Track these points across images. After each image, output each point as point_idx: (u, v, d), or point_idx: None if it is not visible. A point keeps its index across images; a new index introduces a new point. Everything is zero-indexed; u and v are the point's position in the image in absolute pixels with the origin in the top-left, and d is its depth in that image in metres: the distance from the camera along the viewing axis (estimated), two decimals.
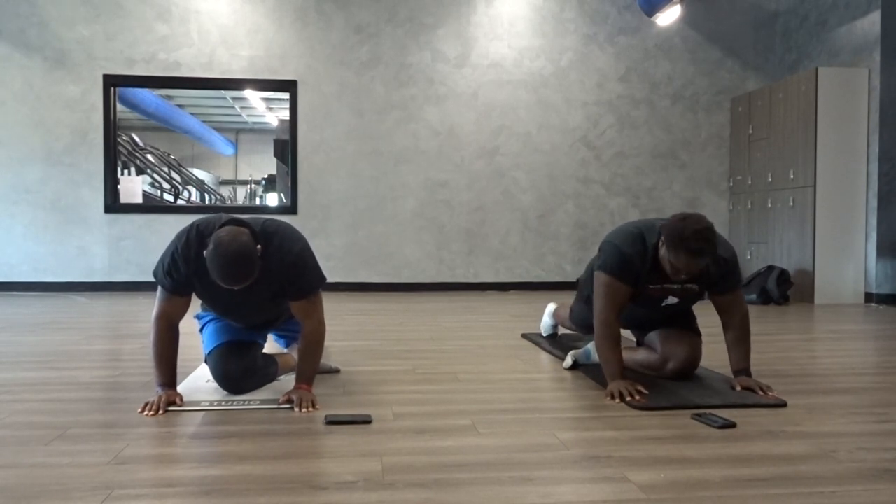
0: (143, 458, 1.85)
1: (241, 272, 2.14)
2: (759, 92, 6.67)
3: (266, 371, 2.64)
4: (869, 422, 2.23)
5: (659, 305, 2.72)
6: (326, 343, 2.68)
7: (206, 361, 2.61)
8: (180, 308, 2.41)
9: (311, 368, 2.45)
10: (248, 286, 2.29)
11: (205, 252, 2.20)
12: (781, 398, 2.47)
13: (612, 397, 2.48)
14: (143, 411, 2.29)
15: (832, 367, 3.16)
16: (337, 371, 2.99)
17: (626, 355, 2.97)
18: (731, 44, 7.24)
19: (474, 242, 7.00)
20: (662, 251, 2.51)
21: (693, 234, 2.37)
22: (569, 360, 3.07)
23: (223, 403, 2.40)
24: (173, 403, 2.35)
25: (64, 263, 6.60)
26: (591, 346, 3.10)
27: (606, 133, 7.11)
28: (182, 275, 2.34)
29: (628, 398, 2.44)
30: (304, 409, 2.31)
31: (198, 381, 2.75)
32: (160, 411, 2.28)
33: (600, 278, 2.62)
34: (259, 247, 2.23)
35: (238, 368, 2.52)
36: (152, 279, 6.61)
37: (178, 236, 2.36)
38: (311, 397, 2.37)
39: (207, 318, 2.68)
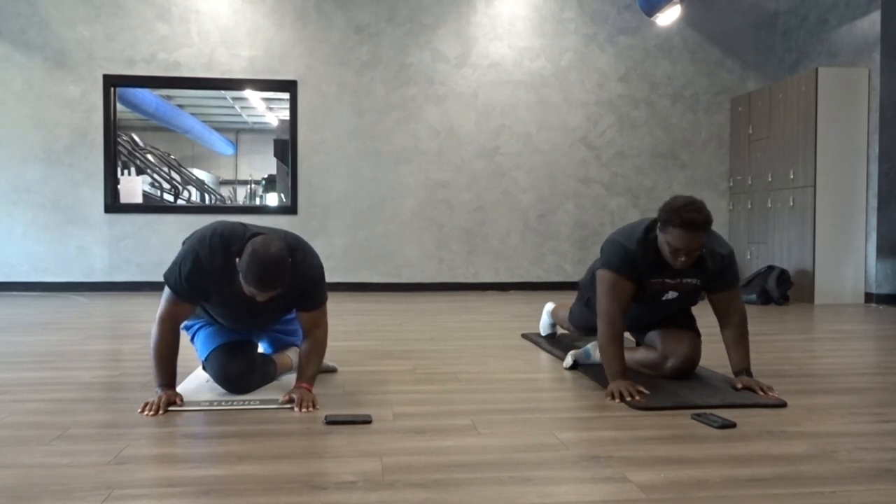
0: (143, 458, 1.85)
1: (278, 277, 2.22)
2: (759, 92, 6.67)
3: (265, 370, 2.66)
4: (869, 422, 2.23)
5: (659, 300, 2.72)
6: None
7: (203, 367, 2.62)
8: (187, 312, 2.43)
9: (312, 369, 2.48)
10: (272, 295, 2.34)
11: (238, 259, 2.25)
12: (781, 398, 2.47)
13: (613, 397, 2.48)
14: (143, 411, 2.29)
15: (832, 367, 3.16)
16: (334, 370, 2.99)
17: (626, 355, 2.97)
18: (731, 44, 7.24)
19: (474, 242, 7.00)
20: (660, 237, 2.53)
21: (684, 206, 2.42)
22: (569, 360, 3.07)
23: (223, 403, 2.41)
24: (173, 403, 2.35)
25: (64, 263, 6.60)
26: (591, 346, 3.10)
27: (606, 133, 7.11)
28: (202, 282, 2.34)
29: (628, 398, 2.44)
30: (304, 409, 2.32)
31: (198, 381, 2.75)
32: (160, 411, 2.28)
33: (604, 276, 2.62)
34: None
35: (239, 368, 2.53)
36: (152, 279, 6.65)
37: (199, 242, 2.34)
38: (311, 397, 2.39)
39: (197, 325, 2.68)
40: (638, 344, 3.05)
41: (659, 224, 2.53)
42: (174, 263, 2.35)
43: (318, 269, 2.46)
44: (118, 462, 1.81)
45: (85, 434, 2.06)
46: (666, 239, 2.49)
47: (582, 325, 3.24)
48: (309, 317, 2.49)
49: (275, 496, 1.59)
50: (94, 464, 1.80)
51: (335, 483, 1.67)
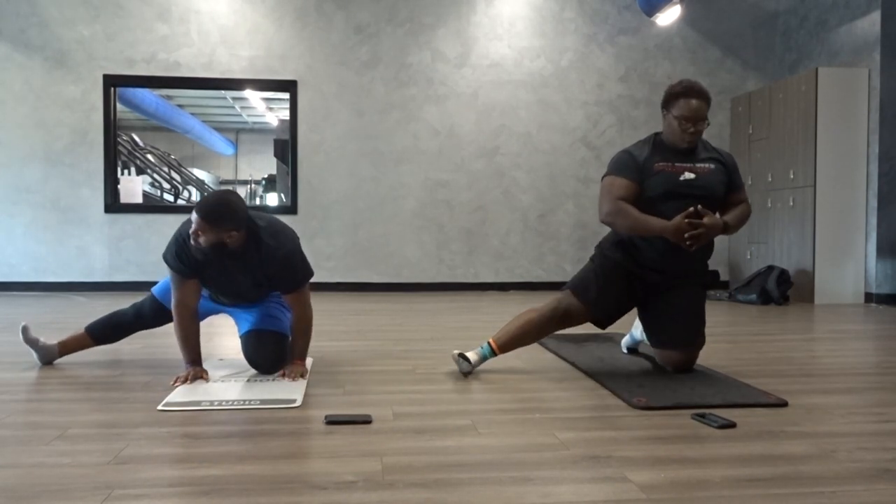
0: (143, 458, 1.84)
1: (220, 214, 2.43)
2: (759, 92, 6.67)
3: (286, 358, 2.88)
4: (869, 422, 2.23)
5: (678, 181, 2.74)
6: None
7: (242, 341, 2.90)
8: (194, 292, 2.69)
9: (303, 345, 2.79)
10: (237, 268, 2.60)
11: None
12: (782, 398, 2.47)
13: (681, 236, 2.61)
14: (174, 383, 2.59)
15: (832, 367, 3.16)
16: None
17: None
18: (731, 44, 7.24)
19: (474, 242, 7.00)
20: (666, 119, 2.73)
21: (679, 82, 2.73)
22: (623, 350, 3.32)
23: (223, 403, 2.41)
24: (200, 378, 2.65)
25: (64, 263, 6.60)
26: (634, 329, 3.22)
27: (606, 133, 7.10)
28: (189, 256, 2.58)
29: (688, 235, 2.60)
30: (291, 378, 2.66)
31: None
32: (188, 382, 2.61)
33: (602, 186, 2.81)
34: (243, 230, 2.53)
35: (271, 356, 2.81)
36: (152, 279, 6.66)
37: (184, 223, 2.62)
38: (300, 370, 2.72)
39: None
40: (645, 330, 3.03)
41: (663, 107, 2.75)
42: (168, 245, 2.64)
43: (290, 252, 2.64)
44: (118, 462, 1.81)
45: (85, 434, 2.06)
46: (671, 115, 2.69)
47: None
48: (290, 297, 2.75)
49: (275, 496, 1.59)
50: (94, 464, 1.80)
51: (335, 483, 1.67)
